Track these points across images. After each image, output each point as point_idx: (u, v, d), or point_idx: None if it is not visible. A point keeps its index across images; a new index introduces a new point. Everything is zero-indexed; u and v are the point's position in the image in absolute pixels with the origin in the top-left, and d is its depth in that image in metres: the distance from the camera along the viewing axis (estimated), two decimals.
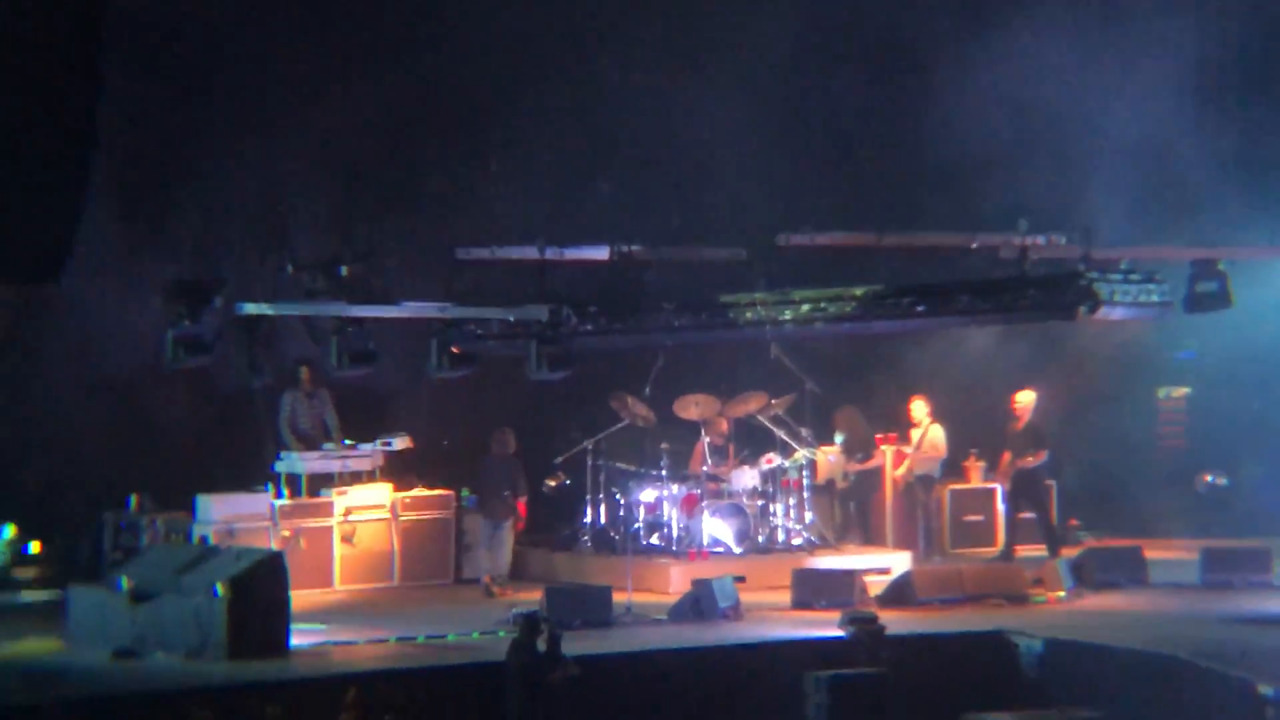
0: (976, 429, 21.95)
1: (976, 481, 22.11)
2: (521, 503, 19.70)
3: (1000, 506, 21.70)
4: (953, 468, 21.98)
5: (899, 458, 21.79)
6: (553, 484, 20.74)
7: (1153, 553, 19.58)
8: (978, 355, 22.43)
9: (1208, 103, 20.54)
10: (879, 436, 21.81)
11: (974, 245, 18.49)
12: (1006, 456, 20.75)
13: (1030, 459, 20.44)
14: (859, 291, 18.53)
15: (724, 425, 21.00)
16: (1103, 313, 17.38)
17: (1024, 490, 20.64)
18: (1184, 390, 23.71)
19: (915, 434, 21.37)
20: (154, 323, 17.57)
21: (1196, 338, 22.64)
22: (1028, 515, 20.73)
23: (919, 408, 21.35)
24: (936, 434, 21.28)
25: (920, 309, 18.29)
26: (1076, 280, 17.34)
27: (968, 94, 20.29)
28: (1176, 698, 14.02)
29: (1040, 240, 18.03)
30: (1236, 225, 19.12)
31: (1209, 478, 22.80)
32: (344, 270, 17.55)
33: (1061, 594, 18.19)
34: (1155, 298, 17.73)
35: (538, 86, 20.86)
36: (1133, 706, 14.24)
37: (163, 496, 19.49)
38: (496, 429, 19.80)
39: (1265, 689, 13.01)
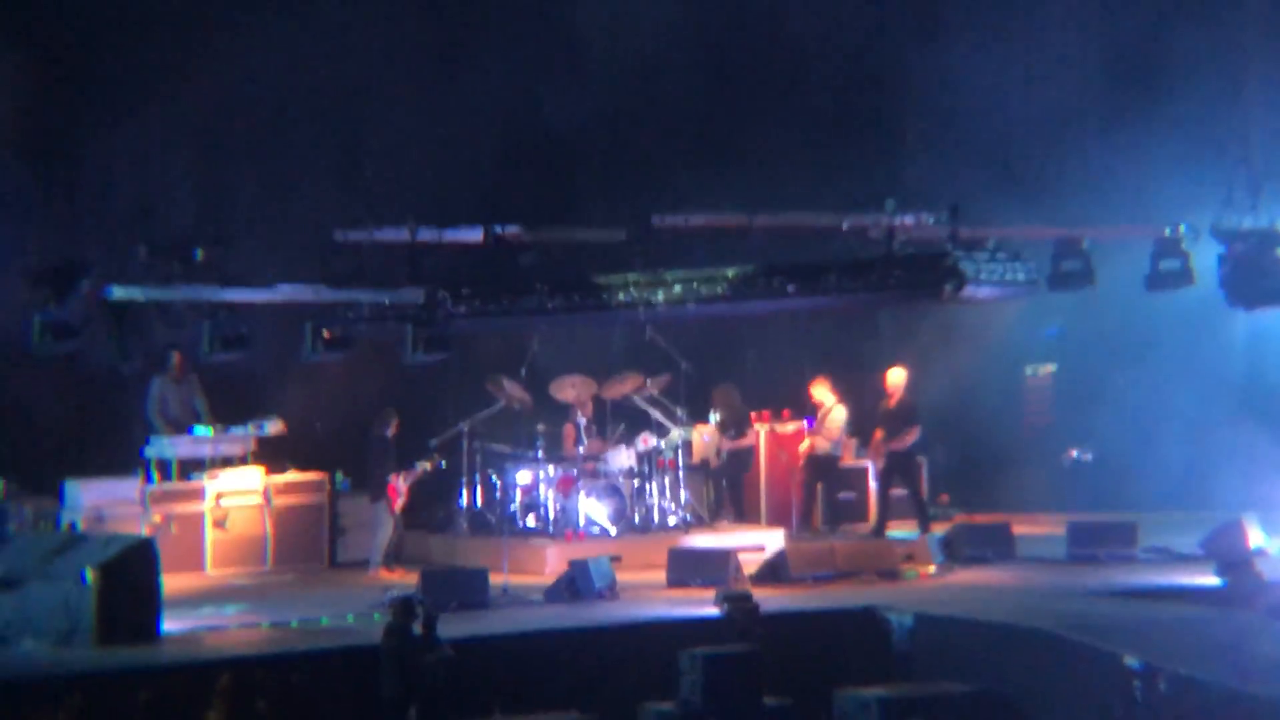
0: (848, 407, 22.14)
1: (849, 460, 22.33)
2: (391, 485, 19.68)
3: (872, 484, 21.93)
4: None
5: (773, 437, 22.00)
6: (428, 466, 20.70)
7: (1021, 528, 19.86)
8: (849, 333, 22.66)
9: (1071, 85, 20.86)
10: (753, 414, 21.99)
11: (844, 226, 18.68)
12: (879, 434, 20.94)
13: (903, 436, 20.67)
14: (730, 272, 18.66)
15: (590, 407, 21.03)
16: (968, 291, 17.64)
17: (896, 468, 20.84)
18: (1050, 367, 24.06)
19: (819, 415, 21.53)
20: (19, 306, 17.30)
21: (1061, 315, 23.02)
22: (899, 492, 20.96)
23: (821, 390, 21.50)
24: (839, 415, 21.44)
25: (790, 289, 18.47)
26: (943, 260, 17.58)
27: (836, 75, 20.49)
28: (1045, 670, 14.20)
29: (908, 220, 18.24)
30: (1099, 204, 19.43)
31: (1075, 453, 23.18)
32: (199, 254, 17.35)
33: (932, 569, 18.41)
34: (1020, 276, 18.00)
35: (410, 66, 20.77)
36: (1002, 679, 14.41)
37: (30, 482, 19.23)
38: (379, 409, 19.73)
39: (1131, 660, 13.21)
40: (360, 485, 20.39)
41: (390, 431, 19.68)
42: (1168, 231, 18.70)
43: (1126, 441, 22.26)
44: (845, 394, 21.48)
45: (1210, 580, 16.74)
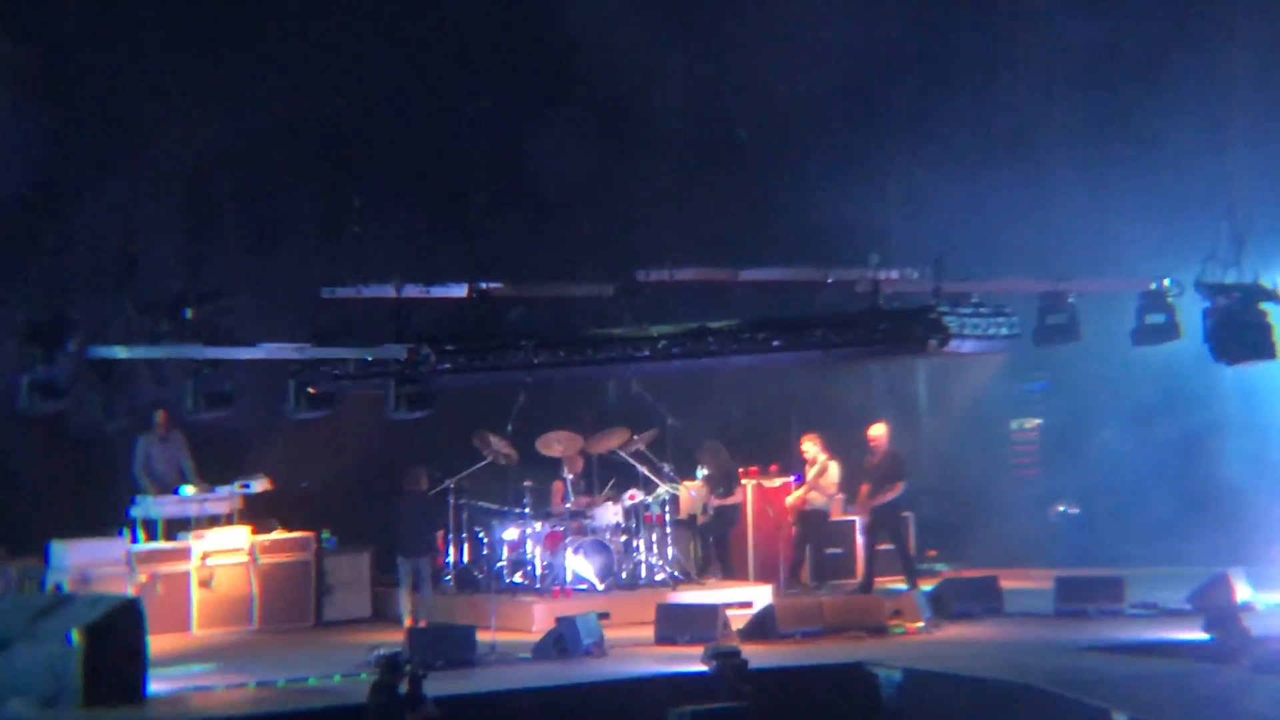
0: (839, 462, 22.14)
1: (836, 514, 22.31)
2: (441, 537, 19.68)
3: (859, 539, 21.91)
4: None
5: (760, 492, 21.99)
6: None
7: (1008, 582, 19.84)
8: (835, 389, 22.67)
9: (1056, 139, 20.94)
10: (741, 470, 21.98)
11: (829, 280, 18.72)
12: (864, 489, 20.94)
13: (888, 491, 20.66)
14: (716, 326, 18.68)
15: (580, 463, 21.01)
16: (953, 346, 17.68)
17: (882, 522, 20.83)
18: (1036, 421, 24.09)
19: (811, 471, 21.52)
20: (7, 366, 17.26)
21: (1047, 370, 23.05)
22: (886, 547, 20.93)
23: (811, 446, 21.52)
24: (834, 470, 21.46)
25: (776, 344, 18.48)
26: (927, 314, 17.63)
27: (822, 128, 20.57)
28: None
29: (893, 274, 18.29)
30: (1084, 259, 19.48)
31: (1061, 507, 23.18)
32: (189, 312, 17.34)
33: (920, 625, 18.39)
34: (1004, 330, 18.05)
35: (396, 122, 20.80)
36: None
37: (16, 543, 19.15)
38: (410, 467, 19.67)
39: (1120, 716, 13.23)
40: (352, 543, 20.31)
41: (423, 487, 19.64)
42: (1153, 285, 18.75)
43: (1113, 495, 22.26)
44: (833, 448, 21.49)
45: (1198, 635, 16.74)
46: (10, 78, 19.13)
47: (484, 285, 18.99)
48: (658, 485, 20.81)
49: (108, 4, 19.39)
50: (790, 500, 21.78)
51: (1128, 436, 22.19)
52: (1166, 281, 18.70)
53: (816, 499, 21.55)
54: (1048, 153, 20.83)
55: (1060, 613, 18.93)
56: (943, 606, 18.97)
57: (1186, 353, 18.77)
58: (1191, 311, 18.09)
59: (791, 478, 22.06)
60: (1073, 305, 18.81)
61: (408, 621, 19.18)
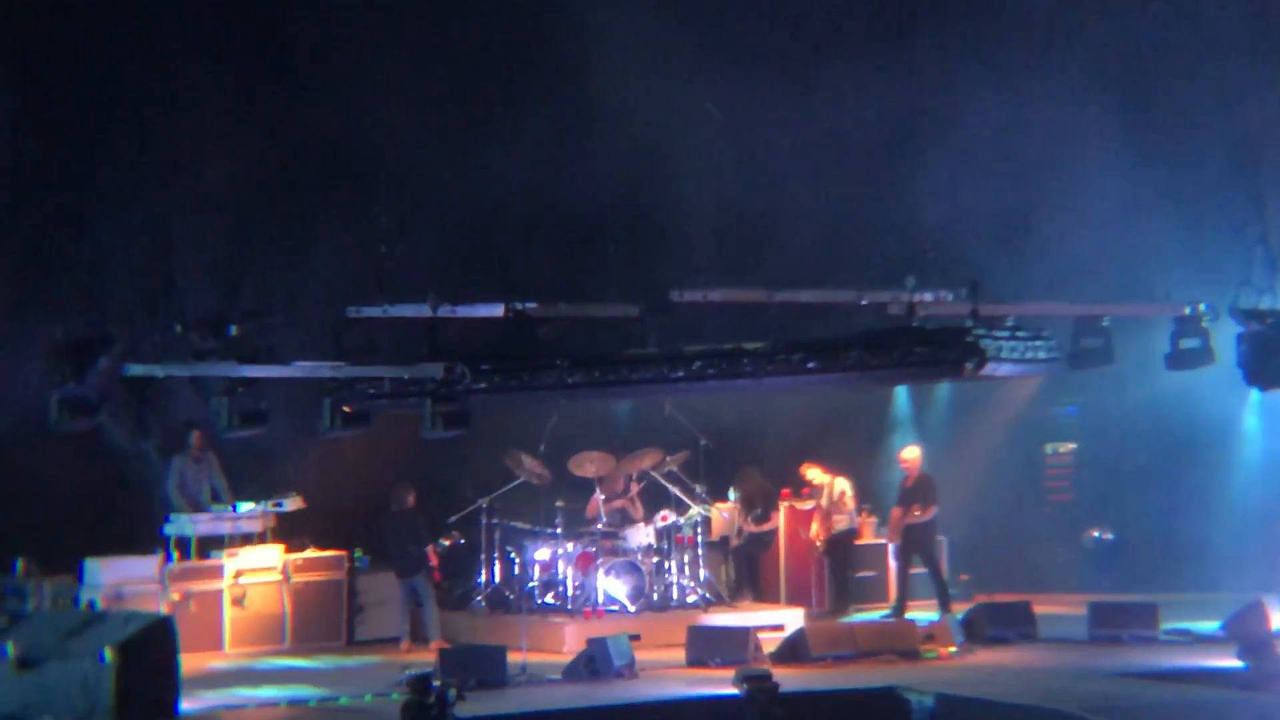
0: (867, 485, 22.11)
1: (868, 538, 22.26)
2: (432, 552, 19.69)
3: (892, 563, 21.85)
4: None
5: (792, 515, 21.94)
6: (447, 543, 20.70)
7: (1041, 607, 19.79)
8: (867, 410, 22.64)
9: (1091, 162, 20.88)
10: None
11: (864, 302, 18.66)
12: (897, 512, 20.89)
13: (920, 514, 20.61)
14: (750, 347, 18.64)
15: (621, 482, 21.03)
16: (989, 369, 17.58)
17: (915, 546, 20.78)
18: (1070, 445, 24.01)
19: (824, 495, 21.48)
20: (38, 383, 17.31)
21: (1081, 394, 22.97)
22: (919, 571, 20.87)
23: (814, 472, 21.49)
24: (846, 488, 21.42)
25: (810, 365, 18.41)
26: (963, 337, 17.52)
27: (854, 150, 20.52)
28: None
29: (928, 297, 18.23)
30: (1119, 282, 19.42)
31: (1096, 532, 23.09)
32: (233, 329, 17.39)
33: (952, 649, 18.33)
34: (1041, 354, 17.96)
35: (428, 141, 20.83)
36: None
37: (49, 560, 19.17)
38: (394, 485, 19.75)
39: None
40: (381, 562, 20.34)
41: (409, 505, 19.69)
42: (1188, 310, 18.68)
43: (1147, 521, 22.18)
44: (853, 470, 21.45)
45: (1232, 663, 16.66)
46: (45, 96, 19.23)
47: (519, 305, 18.97)
48: (689, 506, 20.78)
49: (145, 24, 19.46)
50: (813, 533, 21.70)
51: (1162, 461, 22.11)
52: (1201, 306, 18.62)
53: (840, 521, 21.50)
54: (1083, 177, 20.76)
55: (1094, 638, 18.86)
56: (975, 631, 18.91)
57: (1221, 377, 18.70)
58: (1227, 335, 18.03)
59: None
60: (1107, 329, 18.73)
61: (404, 645, 19.28)
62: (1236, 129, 19.63)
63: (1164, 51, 20.62)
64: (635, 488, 21.07)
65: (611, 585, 20.03)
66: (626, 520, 20.78)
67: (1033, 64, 21.02)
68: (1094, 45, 20.89)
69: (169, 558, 19.51)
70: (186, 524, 19.70)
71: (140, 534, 19.73)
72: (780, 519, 22.02)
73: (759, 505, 21.53)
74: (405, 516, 19.69)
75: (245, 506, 20.02)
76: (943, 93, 20.83)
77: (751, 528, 21.47)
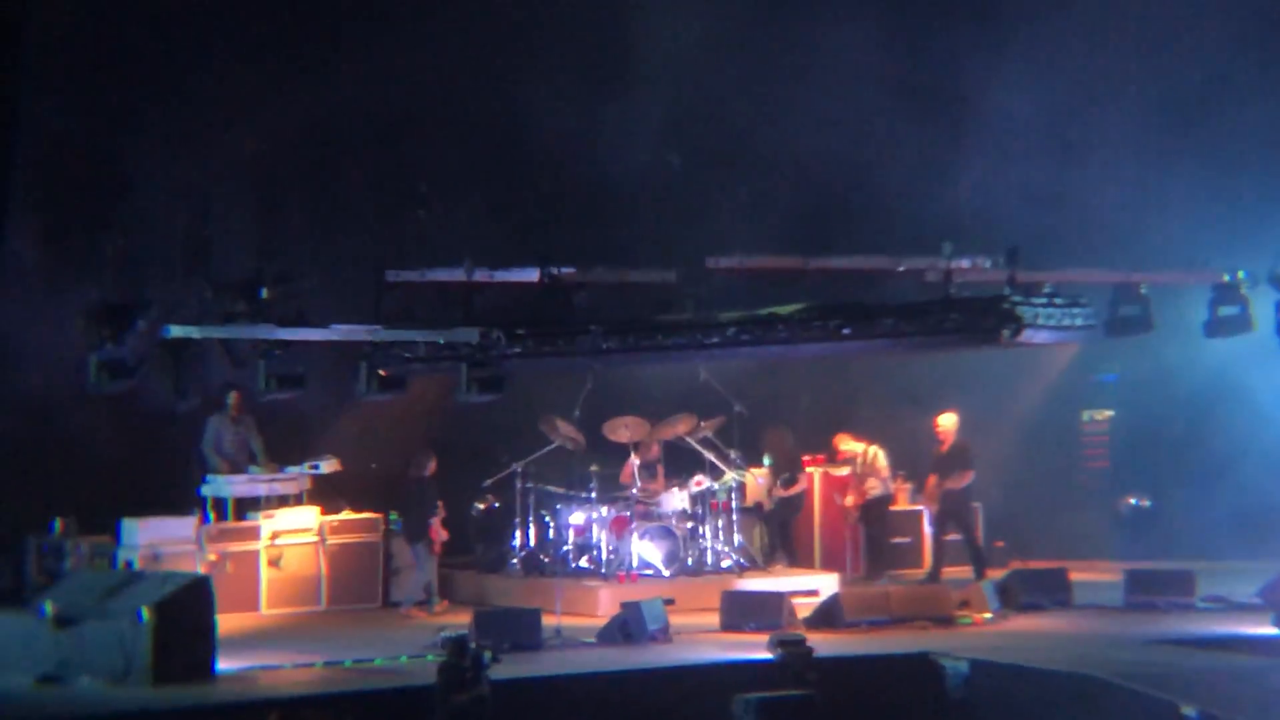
0: (902, 452, 22.06)
1: (903, 504, 22.25)
2: (433, 527, 19.73)
3: (927, 529, 21.82)
4: None
5: (827, 481, 21.94)
6: (482, 507, 20.74)
7: (1077, 574, 19.74)
8: (903, 377, 22.58)
9: (1131, 130, 20.78)
10: (806, 459, 21.93)
11: (900, 269, 18.59)
12: (932, 479, 20.86)
13: (956, 481, 20.57)
14: (785, 313, 18.59)
15: (655, 448, 21.04)
16: (1026, 336, 17.49)
17: (950, 512, 20.76)
18: (1107, 413, 23.93)
19: (859, 463, 21.46)
20: (77, 345, 17.39)
21: (1119, 361, 22.89)
22: (954, 537, 20.85)
23: (847, 442, 21.49)
24: (881, 455, 21.40)
25: (846, 331, 18.34)
26: (1000, 304, 17.44)
27: (893, 118, 20.46)
28: (1101, 719, 14.12)
29: (965, 264, 18.15)
30: (1157, 249, 19.32)
31: (1132, 500, 23.03)
32: (264, 293, 17.43)
33: (987, 616, 18.31)
34: (1078, 321, 17.85)
35: (464, 107, 20.83)
36: None
37: (87, 520, 19.30)
38: (417, 451, 19.83)
39: (1188, 710, 13.14)
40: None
41: (428, 473, 19.76)
42: (1226, 277, 18.57)
43: (1184, 488, 22.10)
44: (888, 437, 21.42)
45: (1268, 630, 16.61)
46: (81, 63, 19.27)
47: (554, 270, 18.97)
48: (724, 472, 20.78)
49: None
50: (848, 501, 21.70)
51: (1199, 429, 22.02)
52: (1240, 273, 18.50)
53: (874, 486, 21.48)
54: (1121, 144, 20.66)
55: (1129, 605, 18.82)
56: (1010, 598, 18.88)
57: (1260, 344, 18.61)
58: (1266, 303, 17.94)
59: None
60: (1146, 297, 18.63)
61: (437, 608, 19.43)
62: (1275, 95, 19.52)
63: (1201, 19, 20.53)
64: (656, 451, 21.04)
65: (646, 549, 20.06)
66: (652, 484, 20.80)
67: (1072, 33, 20.93)
68: (1133, 16, 20.80)
69: (205, 518, 19.61)
70: (223, 485, 19.79)
71: (177, 495, 19.82)
72: (815, 484, 22.00)
73: (785, 469, 21.52)
74: (421, 484, 19.75)
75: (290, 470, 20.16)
76: (980, 60, 20.78)
77: (780, 492, 21.46)
